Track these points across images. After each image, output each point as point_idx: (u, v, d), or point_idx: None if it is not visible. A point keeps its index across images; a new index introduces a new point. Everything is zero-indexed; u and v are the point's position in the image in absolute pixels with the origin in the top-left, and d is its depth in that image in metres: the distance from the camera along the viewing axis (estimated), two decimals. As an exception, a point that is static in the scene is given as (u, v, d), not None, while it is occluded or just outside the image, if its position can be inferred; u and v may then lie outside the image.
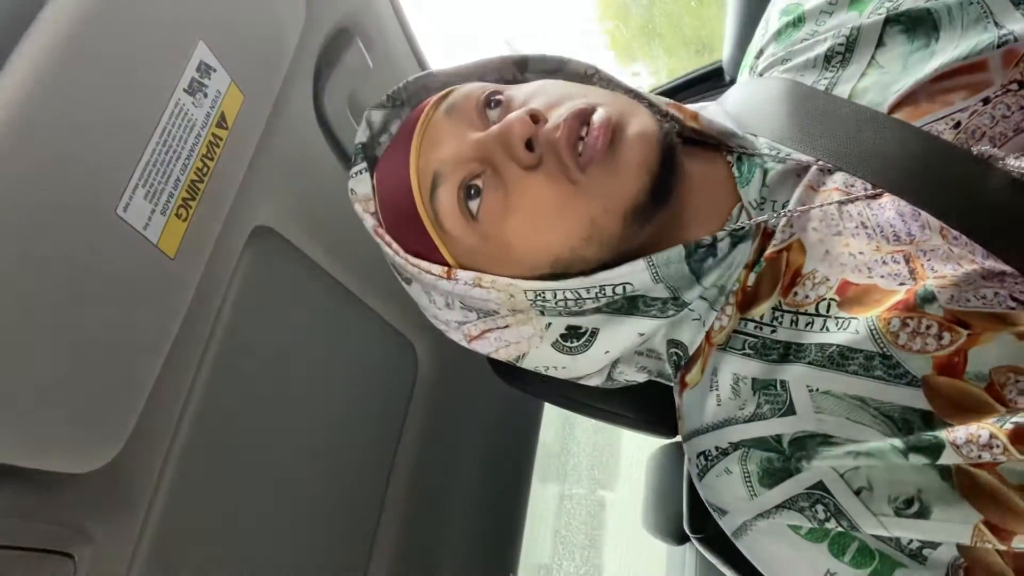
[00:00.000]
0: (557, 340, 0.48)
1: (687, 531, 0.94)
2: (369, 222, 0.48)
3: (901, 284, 0.38)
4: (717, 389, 0.43)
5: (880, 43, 0.44)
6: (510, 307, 0.46)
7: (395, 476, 0.81)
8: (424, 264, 0.46)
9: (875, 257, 0.39)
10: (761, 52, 0.52)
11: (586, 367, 0.49)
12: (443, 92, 0.48)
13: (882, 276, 0.39)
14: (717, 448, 0.42)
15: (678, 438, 0.48)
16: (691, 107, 0.48)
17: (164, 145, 0.37)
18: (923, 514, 0.35)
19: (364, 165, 0.50)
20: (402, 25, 0.70)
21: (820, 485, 0.37)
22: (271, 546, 0.63)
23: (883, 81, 0.43)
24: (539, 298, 0.44)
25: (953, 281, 0.37)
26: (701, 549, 0.91)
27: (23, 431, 0.34)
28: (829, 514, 0.37)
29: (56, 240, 0.32)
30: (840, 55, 0.45)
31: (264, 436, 0.61)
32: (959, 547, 0.34)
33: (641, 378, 0.51)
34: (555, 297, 0.44)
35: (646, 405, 0.61)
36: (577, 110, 0.41)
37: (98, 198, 0.34)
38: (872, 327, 0.38)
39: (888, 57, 0.43)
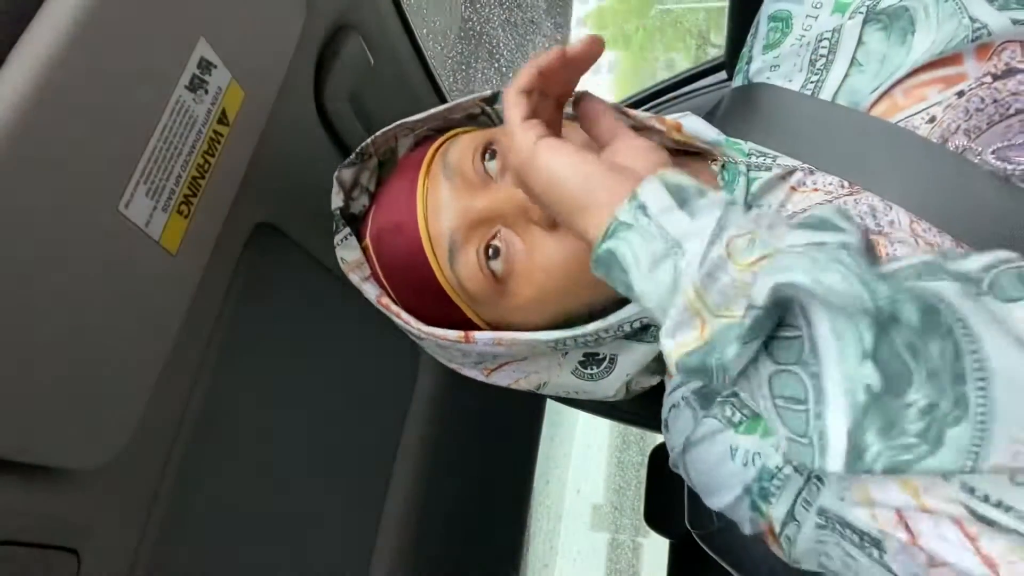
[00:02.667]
0: (576, 368, 0.50)
1: (688, 527, 0.94)
2: (371, 292, 0.49)
3: None
4: None
5: (860, 42, 0.45)
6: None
7: (396, 475, 0.81)
8: (439, 332, 0.47)
9: None
10: (751, 58, 0.52)
11: (607, 389, 0.51)
12: (436, 145, 0.49)
13: None
14: (683, 398, 0.45)
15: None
16: (672, 118, 0.49)
17: (165, 142, 0.37)
18: None
19: (348, 231, 0.51)
20: (403, 22, 0.70)
21: (732, 393, 0.40)
22: (272, 544, 0.63)
23: (862, 80, 0.44)
24: (560, 344, 0.47)
25: None
26: (702, 545, 0.91)
27: (27, 428, 0.34)
28: (734, 409, 0.40)
29: (58, 237, 0.32)
30: (824, 57, 0.46)
31: (266, 433, 0.61)
32: None
33: (654, 381, 0.53)
34: (575, 342, 0.47)
35: (645, 401, 0.61)
36: None
37: (100, 195, 0.34)
38: None
39: (867, 55, 0.44)
